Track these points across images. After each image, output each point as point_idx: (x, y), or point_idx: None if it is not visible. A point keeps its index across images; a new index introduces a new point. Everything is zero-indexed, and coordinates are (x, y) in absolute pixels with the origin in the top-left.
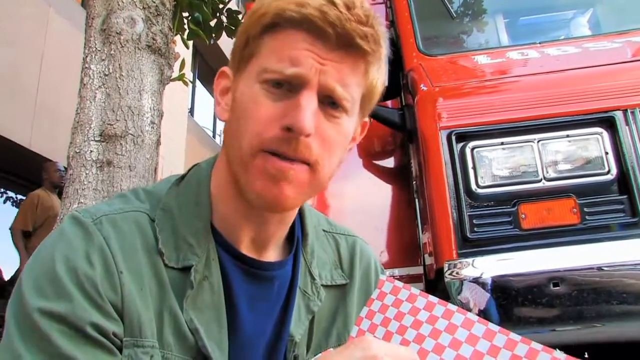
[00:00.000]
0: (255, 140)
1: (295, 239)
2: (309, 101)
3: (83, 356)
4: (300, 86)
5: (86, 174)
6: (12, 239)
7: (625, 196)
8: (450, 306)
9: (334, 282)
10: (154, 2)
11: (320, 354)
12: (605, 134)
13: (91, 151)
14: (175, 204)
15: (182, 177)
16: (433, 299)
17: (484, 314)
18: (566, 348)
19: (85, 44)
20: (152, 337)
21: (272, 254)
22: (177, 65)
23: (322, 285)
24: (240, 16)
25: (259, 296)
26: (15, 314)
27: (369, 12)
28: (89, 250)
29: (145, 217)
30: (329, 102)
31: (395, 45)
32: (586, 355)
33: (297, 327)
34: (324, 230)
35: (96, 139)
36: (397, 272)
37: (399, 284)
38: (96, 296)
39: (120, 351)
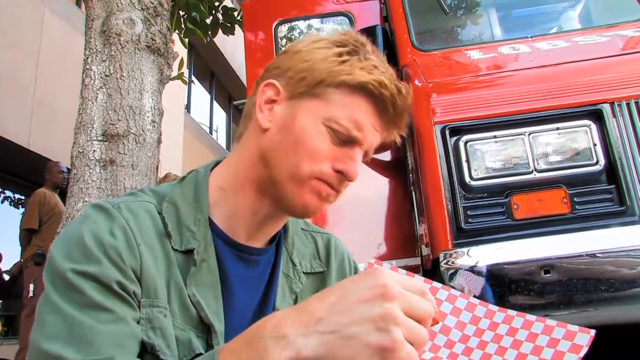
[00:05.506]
0: (315, 169)
1: (278, 232)
2: (360, 156)
3: (111, 305)
4: (356, 143)
5: (90, 173)
6: (19, 236)
7: (613, 186)
8: (435, 284)
9: (313, 270)
10: (152, 3)
11: (335, 284)
12: (594, 126)
13: (94, 151)
14: (178, 198)
15: (182, 178)
16: (418, 277)
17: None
18: None
19: (85, 46)
20: (164, 300)
21: (258, 244)
22: (175, 64)
23: (303, 272)
24: (235, 13)
25: (247, 275)
26: (50, 277)
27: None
28: (112, 227)
29: (154, 207)
30: None
31: (391, 40)
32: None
33: (282, 304)
34: (302, 229)
35: (99, 138)
36: (394, 263)
37: (387, 265)
38: (120, 261)
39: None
